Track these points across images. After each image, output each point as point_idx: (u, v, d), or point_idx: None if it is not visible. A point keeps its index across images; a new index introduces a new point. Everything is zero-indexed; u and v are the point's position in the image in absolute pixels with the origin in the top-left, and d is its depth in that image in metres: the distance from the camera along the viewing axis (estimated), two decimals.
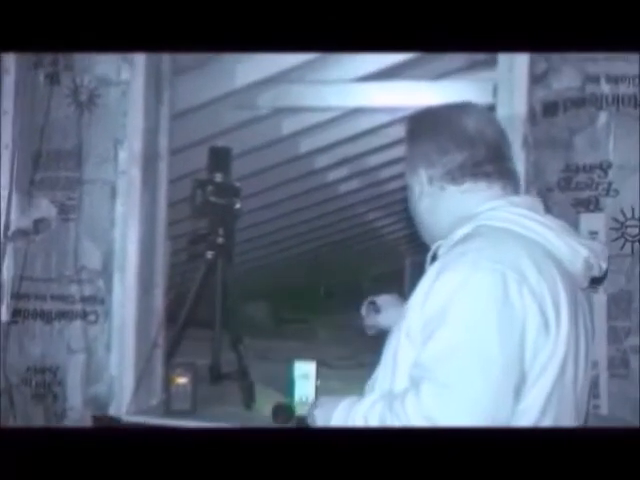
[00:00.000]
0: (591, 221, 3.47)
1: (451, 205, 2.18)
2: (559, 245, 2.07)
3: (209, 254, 4.72)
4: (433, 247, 2.19)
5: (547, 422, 1.96)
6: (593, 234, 3.43)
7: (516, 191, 2.23)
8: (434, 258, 2.14)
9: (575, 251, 2.10)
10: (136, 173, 4.15)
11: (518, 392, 1.88)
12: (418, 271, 2.15)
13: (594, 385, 3.37)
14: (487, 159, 2.16)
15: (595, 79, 3.47)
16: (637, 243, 3.42)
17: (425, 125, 2.24)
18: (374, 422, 1.93)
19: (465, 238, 2.04)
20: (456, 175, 2.15)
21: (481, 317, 1.86)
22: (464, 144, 2.15)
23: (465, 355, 1.83)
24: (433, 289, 1.93)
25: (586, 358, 2.12)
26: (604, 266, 2.20)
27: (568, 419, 2.04)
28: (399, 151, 7.22)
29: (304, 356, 4.43)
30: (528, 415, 1.92)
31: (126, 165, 4.13)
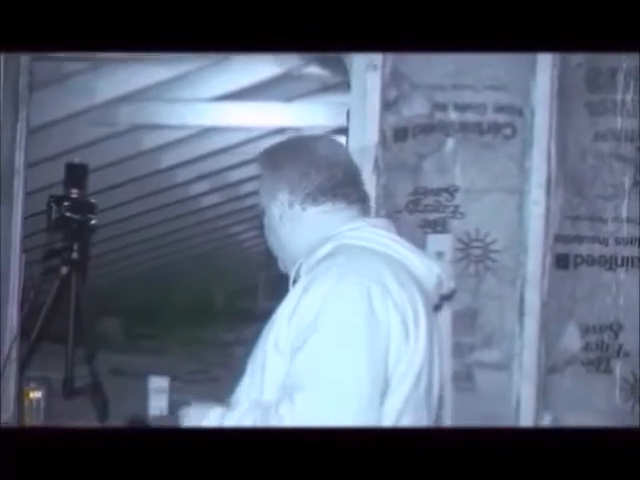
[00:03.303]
0: (438, 242, 3.59)
1: (312, 225, 2.27)
2: (416, 262, 2.21)
3: (63, 269, 4.71)
4: (295, 265, 2.27)
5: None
6: (440, 254, 3.55)
7: (368, 214, 2.36)
8: (296, 276, 2.23)
9: (429, 268, 2.24)
10: None
11: (382, 397, 1.99)
12: (271, 286, 2.21)
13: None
14: (344, 182, 2.28)
15: (443, 107, 3.60)
16: (480, 264, 3.57)
17: (284, 154, 2.34)
18: None
19: (328, 256, 2.14)
20: (316, 196, 2.26)
21: (349, 327, 1.96)
22: (322, 167, 2.26)
23: (336, 363, 1.93)
24: (301, 302, 2.02)
25: (439, 370, 2.25)
26: (452, 285, 2.36)
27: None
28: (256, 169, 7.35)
29: (157, 371, 4.44)
30: (386, 419, 2.02)
31: None
